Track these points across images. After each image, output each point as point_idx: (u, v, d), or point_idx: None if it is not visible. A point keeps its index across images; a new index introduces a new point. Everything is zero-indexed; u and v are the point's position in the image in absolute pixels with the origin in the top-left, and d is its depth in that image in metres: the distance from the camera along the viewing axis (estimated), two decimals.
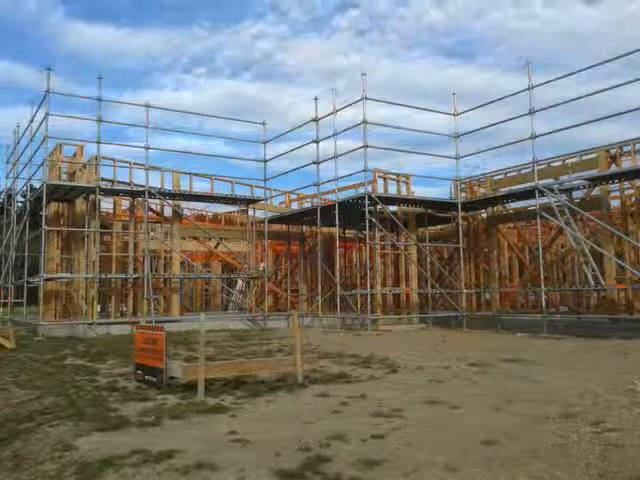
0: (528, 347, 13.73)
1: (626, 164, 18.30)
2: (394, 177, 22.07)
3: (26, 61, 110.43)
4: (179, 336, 16.37)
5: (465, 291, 22.22)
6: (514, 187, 21.23)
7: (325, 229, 25.47)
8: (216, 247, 27.50)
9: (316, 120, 22.87)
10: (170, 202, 22.87)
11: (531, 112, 18.79)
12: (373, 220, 20.59)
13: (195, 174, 23.37)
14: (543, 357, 11.58)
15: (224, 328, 20.61)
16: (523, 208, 22.26)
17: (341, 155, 21.71)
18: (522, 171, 21.40)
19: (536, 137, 18.63)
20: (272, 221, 26.21)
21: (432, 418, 6.27)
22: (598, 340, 15.09)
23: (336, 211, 21.19)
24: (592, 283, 17.30)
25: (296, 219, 26.16)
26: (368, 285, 20.52)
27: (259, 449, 5.10)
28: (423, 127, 22.74)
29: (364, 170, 20.30)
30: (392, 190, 21.75)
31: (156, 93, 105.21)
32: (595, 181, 18.69)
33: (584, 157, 19.71)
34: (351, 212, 21.79)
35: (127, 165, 21.84)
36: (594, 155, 19.31)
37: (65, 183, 21.58)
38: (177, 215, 23.18)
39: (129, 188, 21.68)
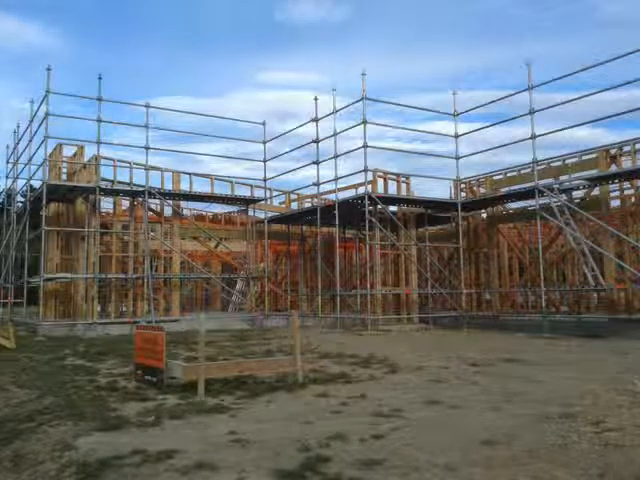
0: (528, 347, 13.73)
1: (626, 164, 18.30)
2: (394, 177, 22.06)
3: None
4: (179, 336, 16.36)
5: (465, 291, 22.21)
6: (514, 187, 21.23)
7: (325, 229, 25.47)
8: (216, 247, 27.48)
9: (316, 120, 22.88)
10: (170, 202, 22.87)
11: (531, 112, 18.79)
12: (373, 220, 20.59)
13: (195, 174, 23.39)
14: (543, 357, 11.58)
15: (224, 328, 20.58)
16: (523, 208, 22.25)
17: (341, 155, 21.76)
18: (522, 171, 21.38)
19: (536, 137, 18.64)
20: (272, 221, 26.20)
21: (432, 418, 6.26)
22: (598, 340, 15.08)
23: (336, 211, 21.18)
24: (592, 283, 17.30)
25: (296, 219, 26.15)
26: (368, 285, 20.52)
27: (259, 449, 5.10)
28: None
29: (364, 170, 20.31)
30: (392, 190, 21.76)
31: None
32: (595, 181, 18.69)
33: (584, 157, 19.70)
34: (351, 212, 21.79)
35: (127, 165, 21.83)
36: (594, 155, 19.30)
37: (65, 183, 21.59)
38: (177, 215, 23.19)
39: (129, 188, 21.68)
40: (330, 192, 23.84)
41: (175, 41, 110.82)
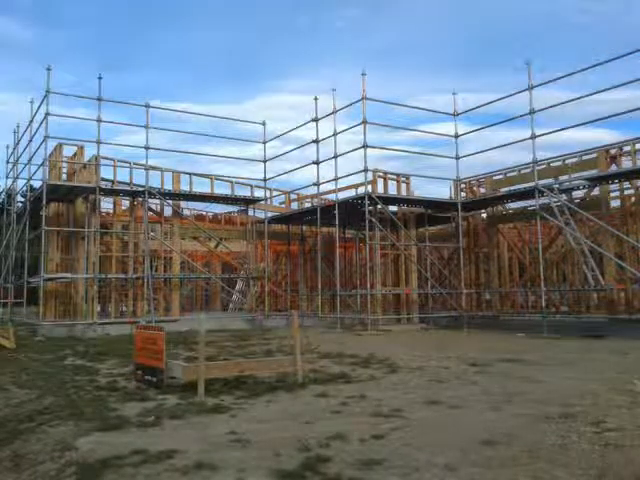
0: (528, 347, 13.73)
1: (626, 164, 18.31)
2: (394, 177, 22.06)
3: None
4: (179, 336, 16.35)
5: (465, 291, 22.19)
6: (514, 187, 21.22)
7: (325, 229, 25.47)
8: (216, 247, 27.48)
9: (316, 120, 22.87)
10: (170, 202, 22.87)
11: (531, 112, 18.78)
12: (373, 220, 20.58)
13: (195, 174, 23.37)
14: (543, 357, 11.57)
15: (224, 328, 20.55)
16: (523, 208, 22.25)
17: (341, 155, 21.75)
18: (522, 171, 21.37)
19: (536, 137, 18.63)
20: (272, 221, 26.20)
21: (432, 418, 6.27)
22: (598, 340, 15.08)
23: (336, 211, 21.18)
24: (592, 283, 17.30)
25: (296, 219, 26.15)
26: (368, 285, 20.51)
27: (259, 449, 5.10)
28: None
29: (364, 170, 20.30)
30: (392, 190, 21.76)
31: None
32: (595, 181, 18.68)
33: (584, 157, 19.70)
34: (351, 212, 21.79)
35: (127, 165, 21.83)
36: (594, 155, 19.30)
37: (65, 183, 21.57)
38: (177, 215, 23.18)
39: (129, 188, 21.67)
40: (330, 192, 23.87)
41: (175, 49, 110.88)
